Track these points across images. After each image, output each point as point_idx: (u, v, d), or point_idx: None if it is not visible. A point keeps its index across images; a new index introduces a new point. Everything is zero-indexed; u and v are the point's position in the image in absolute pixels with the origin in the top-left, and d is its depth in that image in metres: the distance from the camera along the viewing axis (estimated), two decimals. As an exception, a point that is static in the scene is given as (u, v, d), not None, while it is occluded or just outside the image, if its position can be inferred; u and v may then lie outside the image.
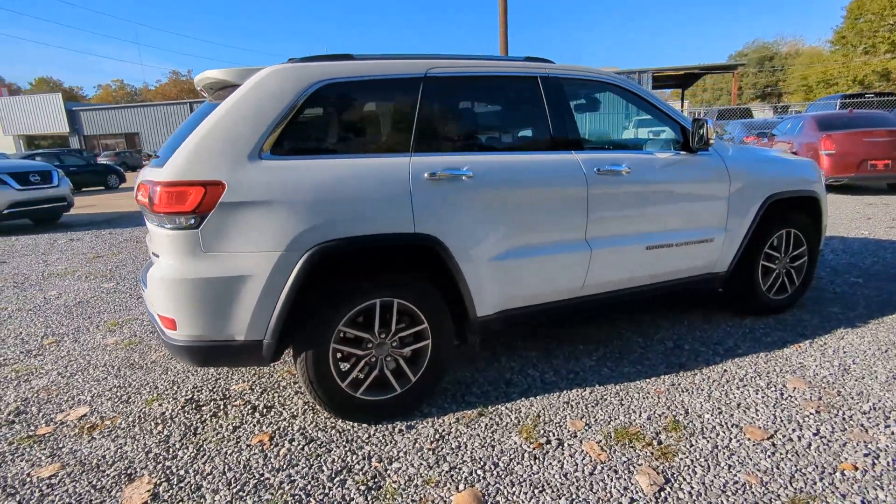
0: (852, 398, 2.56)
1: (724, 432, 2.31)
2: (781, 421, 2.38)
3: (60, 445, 2.42)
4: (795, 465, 2.07)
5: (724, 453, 2.17)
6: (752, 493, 1.92)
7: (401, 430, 2.44)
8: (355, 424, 2.50)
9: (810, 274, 3.82)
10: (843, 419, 2.38)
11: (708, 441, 2.25)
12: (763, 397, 2.60)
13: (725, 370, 2.91)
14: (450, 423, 2.48)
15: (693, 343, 3.30)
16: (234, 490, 2.05)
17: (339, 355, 2.43)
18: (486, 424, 2.46)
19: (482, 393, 2.78)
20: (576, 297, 3.00)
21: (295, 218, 2.25)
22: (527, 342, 3.40)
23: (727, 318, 3.70)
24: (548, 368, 3.02)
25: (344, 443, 2.36)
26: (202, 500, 2.00)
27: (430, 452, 2.26)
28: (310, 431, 2.46)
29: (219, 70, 2.46)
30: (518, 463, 2.16)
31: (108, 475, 2.18)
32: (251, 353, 2.30)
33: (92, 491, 2.07)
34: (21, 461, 2.30)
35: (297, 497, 2.00)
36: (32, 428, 2.58)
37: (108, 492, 2.06)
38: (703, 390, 2.69)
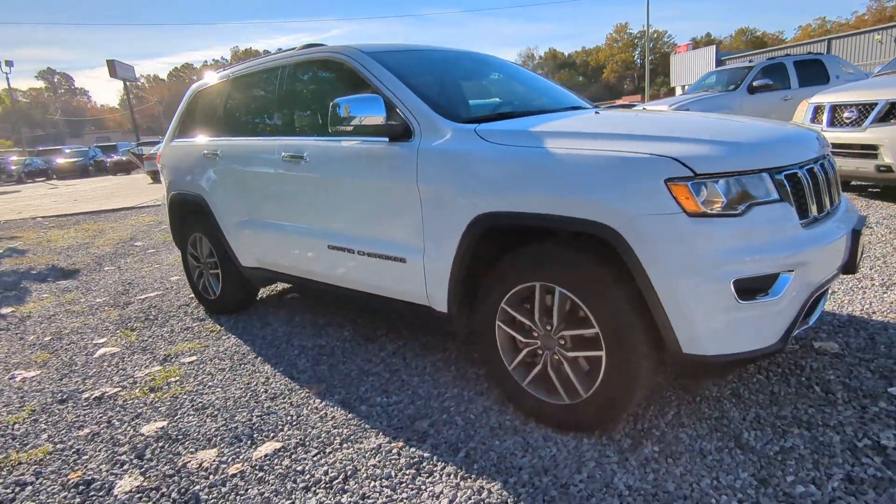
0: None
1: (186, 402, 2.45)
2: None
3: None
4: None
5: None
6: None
7: (189, 326, 3.77)
8: (206, 316, 3.99)
9: (614, 384, 1.76)
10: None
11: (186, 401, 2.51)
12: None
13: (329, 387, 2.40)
14: (199, 332, 3.57)
15: (402, 371, 2.57)
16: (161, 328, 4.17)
17: (192, 263, 3.95)
18: (207, 334, 3.43)
19: (244, 328, 3.51)
20: (312, 280, 2.97)
21: (170, 176, 3.93)
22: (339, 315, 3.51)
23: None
24: (286, 334, 3.32)
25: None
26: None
27: (137, 343, 3.53)
28: (192, 319, 4.17)
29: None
30: (127, 363, 3.23)
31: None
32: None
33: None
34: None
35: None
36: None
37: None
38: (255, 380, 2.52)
